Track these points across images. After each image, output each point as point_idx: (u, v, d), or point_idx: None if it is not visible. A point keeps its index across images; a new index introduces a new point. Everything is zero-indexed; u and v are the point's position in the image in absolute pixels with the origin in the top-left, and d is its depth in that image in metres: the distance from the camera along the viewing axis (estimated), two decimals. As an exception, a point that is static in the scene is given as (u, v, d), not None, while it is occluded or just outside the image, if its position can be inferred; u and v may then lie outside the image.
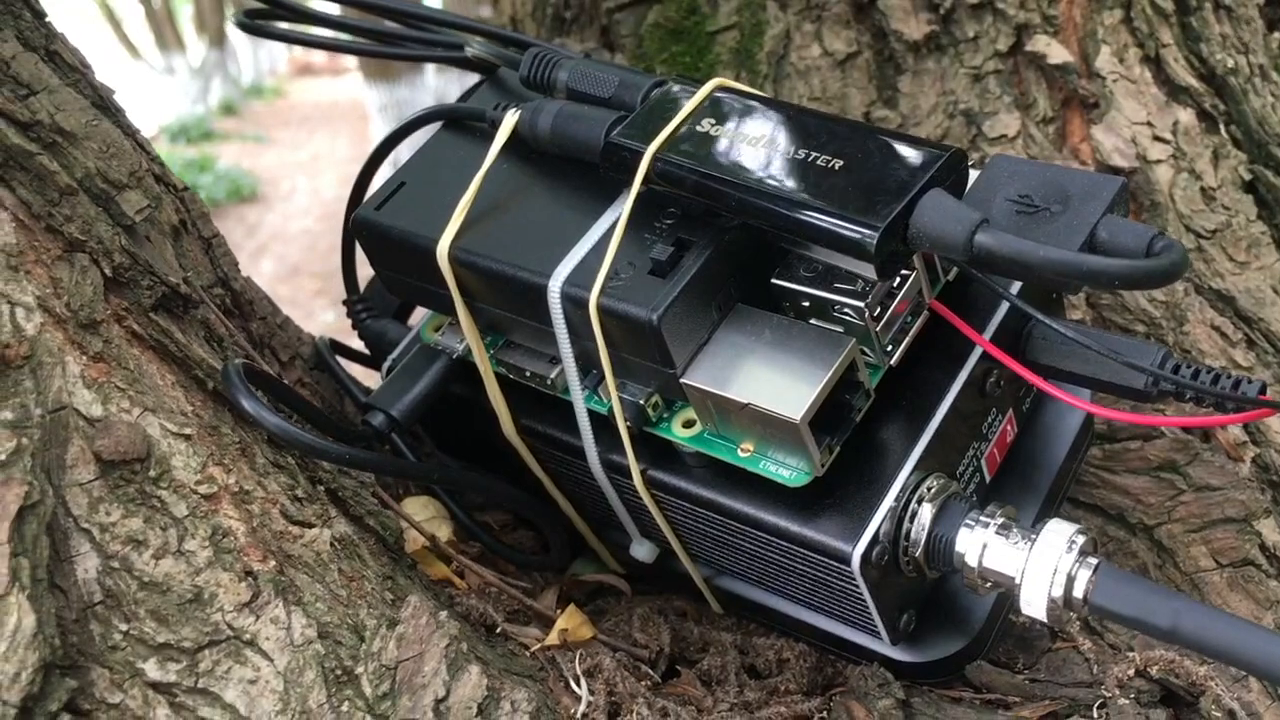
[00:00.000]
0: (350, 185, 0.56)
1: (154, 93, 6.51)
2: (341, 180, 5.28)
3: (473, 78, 0.60)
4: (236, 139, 6.17)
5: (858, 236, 0.42)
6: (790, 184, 0.44)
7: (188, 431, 0.44)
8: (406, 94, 4.44)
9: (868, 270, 0.43)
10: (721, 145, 0.47)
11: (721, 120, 0.48)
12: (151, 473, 0.42)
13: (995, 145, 0.68)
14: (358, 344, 0.65)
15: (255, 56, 7.47)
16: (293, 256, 4.61)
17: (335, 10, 0.68)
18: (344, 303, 0.63)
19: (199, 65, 6.81)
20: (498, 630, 0.51)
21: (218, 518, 0.43)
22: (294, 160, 5.87)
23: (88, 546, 0.40)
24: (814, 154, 0.45)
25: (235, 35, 7.14)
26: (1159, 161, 0.67)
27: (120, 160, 0.47)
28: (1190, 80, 0.70)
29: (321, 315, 3.79)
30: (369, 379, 0.66)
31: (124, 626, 0.40)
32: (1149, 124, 0.68)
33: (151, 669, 0.40)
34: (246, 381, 0.45)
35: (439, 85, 4.39)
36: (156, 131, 5.90)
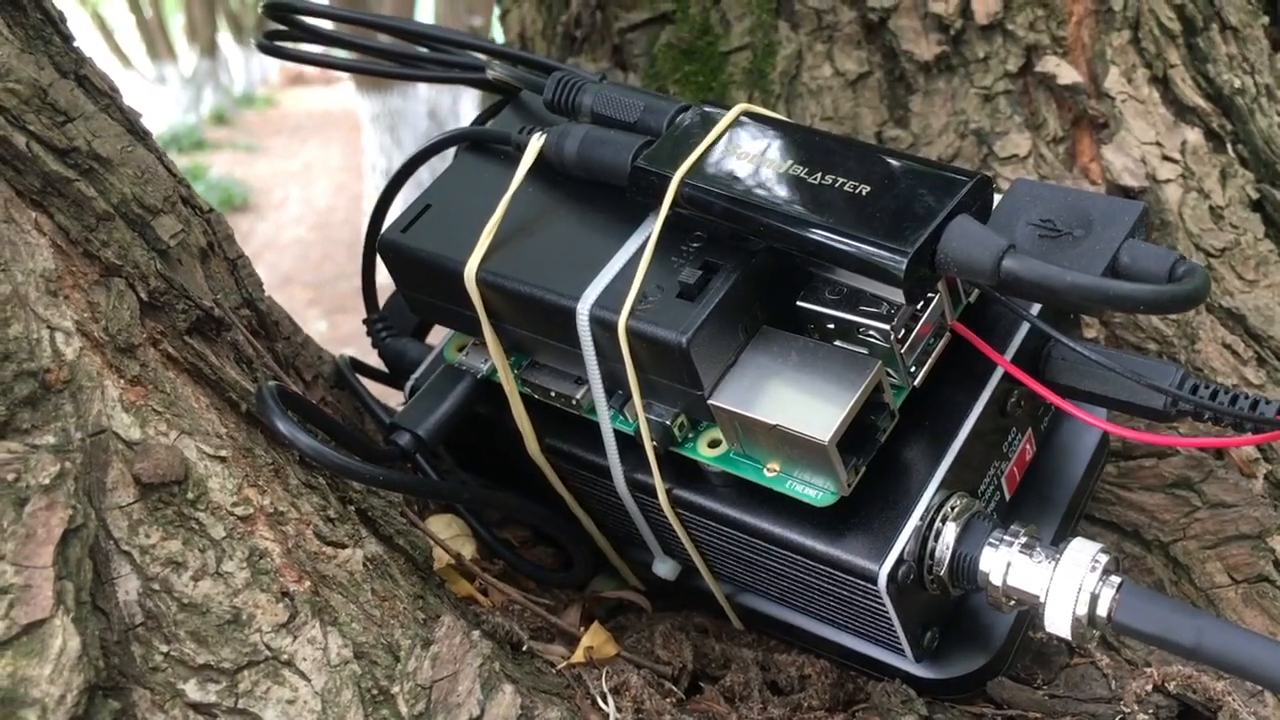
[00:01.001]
0: (343, 194, 0.57)
1: (146, 102, 6.50)
2: (334, 189, 5.28)
3: (474, 94, 0.60)
4: (228, 148, 6.16)
5: (887, 261, 0.43)
6: (818, 209, 0.45)
7: (223, 453, 0.44)
8: (399, 104, 4.44)
9: (895, 294, 0.44)
10: (748, 170, 0.47)
11: (748, 145, 0.48)
12: (189, 495, 0.43)
13: (1006, 165, 0.69)
14: (369, 359, 0.66)
15: (247, 66, 7.47)
16: (285, 266, 4.61)
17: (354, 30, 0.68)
18: (364, 321, 0.63)
19: (190, 74, 6.81)
20: (524, 648, 0.52)
21: (254, 539, 0.43)
22: (286, 170, 5.87)
23: (129, 569, 0.41)
24: (841, 179, 0.46)
25: (227, 45, 7.15)
26: (1168, 181, 0.68)
27: (155, 185, 0.48)
28: (1198, 100, 0.71)
29: (314, 325, 3.79)
30: (385, 397, 0.67)
31: (165, 648, 0.41)
32: (1158, 144, 0.69)
33: (192, 690, 0.40)
34: (280, 403, 0.46)
35: (431, 96, 4.40)
36: (148, 141, 5.89)
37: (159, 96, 6.69)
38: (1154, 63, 0.71)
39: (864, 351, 0.47)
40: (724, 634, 0.58)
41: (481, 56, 0.61)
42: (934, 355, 0.48)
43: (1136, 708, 0.50)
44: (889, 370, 0.47)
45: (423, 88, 4.52)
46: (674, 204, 0.48)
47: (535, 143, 0.52)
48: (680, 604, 0.60)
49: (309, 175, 5.73)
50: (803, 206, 0.45)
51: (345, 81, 6.09)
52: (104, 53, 6.77)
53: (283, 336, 0.58)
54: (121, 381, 0.43)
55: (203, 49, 6.81)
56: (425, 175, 0.68)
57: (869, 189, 0.45)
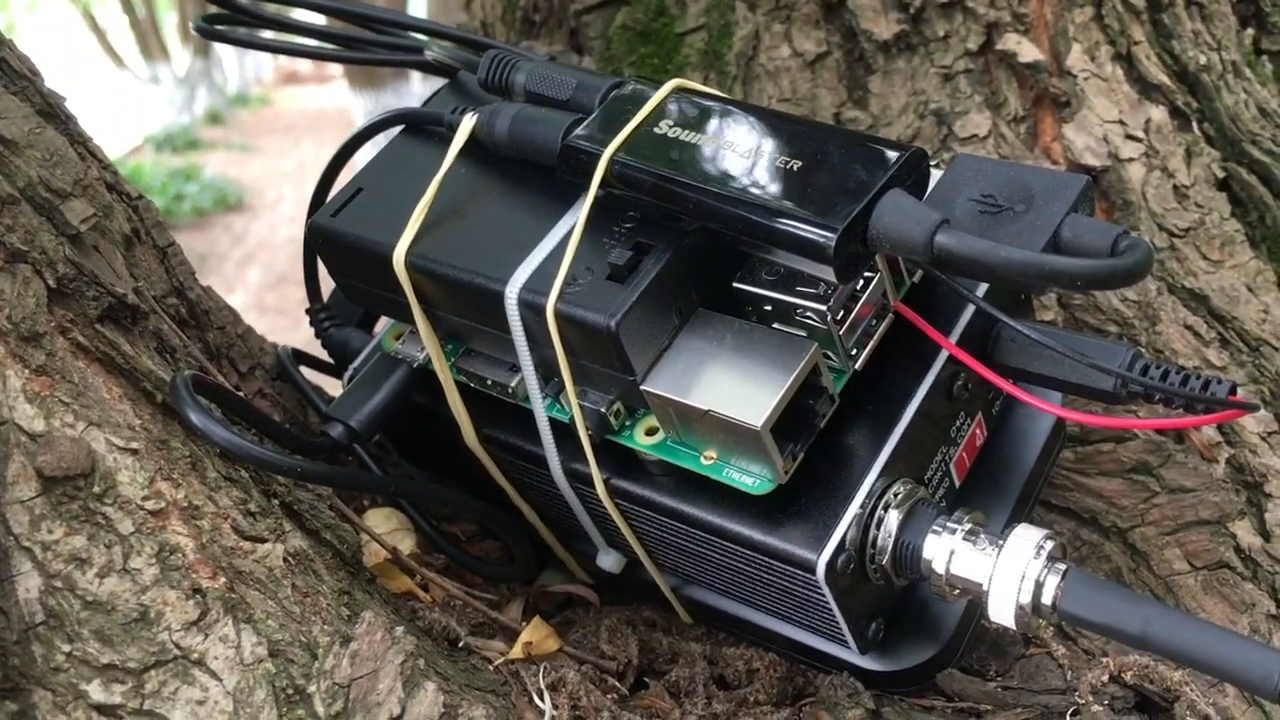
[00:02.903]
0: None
1: (139, 102, 6.49)
2: (328, 188, 5.24)
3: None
4: (222, 148, 6.14)
5: (816, 239, 0.41)
6: (748, 186, 0.43)
7: (134, 446, 0.43)
8: (392, 101, 4.42)
9: (827, 273, 0.42)
10: (680, 147, 0.46)
11: (680, 121, 0.47)
12: (96, 489, 0.41)
13: (966, 145, 0.68)
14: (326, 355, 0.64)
15: (240, 65, 7.45)
16: (279, 265, 4.59)
17: (297, 15, 0.66)
18: (306, 311, 0.62)
19: (184, 74, 6.78)
20: (461, 644, 0.50)
21: (165, 534, 0.42)
22: (280, 169, 5.85)
23: (29, 566, 0.39)
24: (773, 155, 0.44)
25: (220, 44, 7.11)
26: (1131, 160, 0.66)
27: (64, 168, 0.46)
28: (1162, 78, 0.69)
29: (308, 325, 3.78)
30: (335, 388, 0.65)
31: (67, 647, 0.39)
32: (1121, 122, 0.67)
33: (96, 691, 0.39)
34: (194, 394, 0.44)
35: (425, 92, 4.36)
36: (142, 141, 5.88)
37: (153, 96, 6.67)
38: (1118, 39, 0.70)
39: (802, 334, 0.45)
40: (673, 628, 0.57)
41: (422, 37, 0.60)
42: (876, 337, 0.47)
43: (1092, 698, 0.48)
44: (828, 353, 0.45)
45: (415, 84, 4.50)
46: (604, 182, 0.46)
47: (467, 123, 0.51)
48: (630, 598, 0.59)
49: (303, 174, 5.70)
50: (732, 183, 0.44)
51: (338, 80, 6.07)
52: (97, 53, 6.75)
53: (215, 326, 0.57)
54: (25, 371, 0.42)
55: (196, 48, 6.77)
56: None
57: (800, 164, 0.43)
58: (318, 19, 0.64)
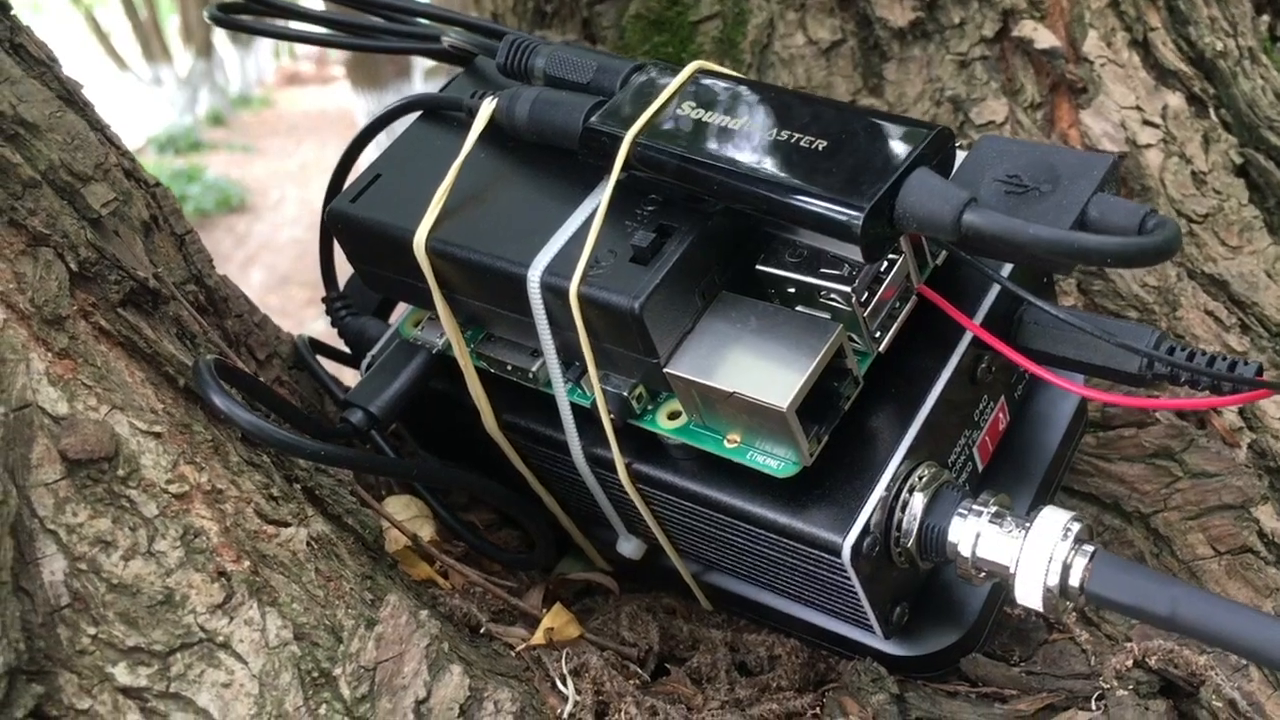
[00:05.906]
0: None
1: (142, 104, 6.49)
2: (330, 188, 5.23)
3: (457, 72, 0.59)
4: (225, 149, 6.14)
5: (843, 218, 0.41)
6: (773, 166, 0.43)
7: (158, 429, 0.43)
8: (394, 100, 4.42)
9: (854, 253, 0.42)
10: (703, 129, 0.46)
11: (702, 103, 0.47)
12: (120, 471, 0.41)
13: (983, 132, 0.67)
14: (343, 344, 0.64)
15: (243, 66, 7.45)
16: (282, 266, 4.58)
17: (312, 3, 0.66)
18: (323, 300, 0.62)
19: (186, 76, 6.78)
20: (482, 630, 0.50)
21: (189, 517, 0.42)
22: (282, 170, 5.85)
23: (54, 548, 0.39)
24: (797, 135, 0.44)
25: (222, 45, 7.12)
26: (1149, 146, 0.66)
27: (85, 153, 0.46)
28: (1179, 64, 0.69)
29: (311, 325, 3.76)
30: (353, 379, 0.65)
31: (92, 630, 0.39)
32: (1138, 108, 0.67)
33: (121, 673, 0.39)
34: (218, 377, 0.44)
35: (428, 90, 4.37)
36: (144, 143, 5.88)
37: (155, 98, 6.67)
38: (1134, 26, 0.69)
39: (826, 316, 0.45)
40: (693, 614, 0.57)
41: (437, 24, 0.60)
42: (900, 320, 0.46)
43: (1116, 683, 0.48)
44: (852, 335, 0.45)
45: (418, 83, 4.51)
46: (626, 165, 0.46)
47: (486, 107, 0.50)
48: (649, 584, 0.58)
49: (305, 175, 5.70)
50: (757, 164, 0.43)
51: (340, 81, 6.07)
52: (99, 56, 6.75)
53: (234, 314, 0.57)
54: (49, 354, 0.42)
55: (198, 50, 6.78)
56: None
57: (825, 144, 0.43)
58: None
